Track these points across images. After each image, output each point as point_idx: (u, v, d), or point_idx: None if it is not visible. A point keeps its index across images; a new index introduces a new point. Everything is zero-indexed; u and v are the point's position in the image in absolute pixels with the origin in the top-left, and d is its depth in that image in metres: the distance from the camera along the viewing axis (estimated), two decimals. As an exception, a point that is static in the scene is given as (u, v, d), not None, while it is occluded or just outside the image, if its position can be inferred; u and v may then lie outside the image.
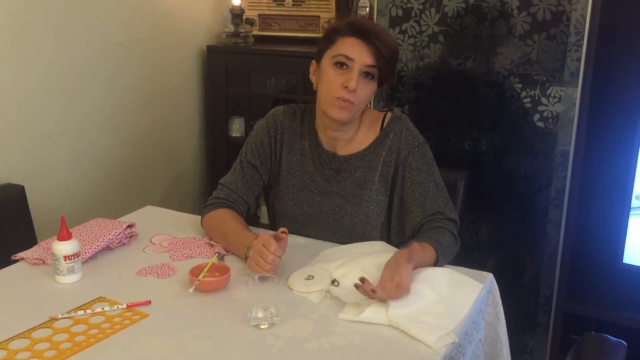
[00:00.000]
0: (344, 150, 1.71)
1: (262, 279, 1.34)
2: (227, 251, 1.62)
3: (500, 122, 2.21)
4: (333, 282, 1.43)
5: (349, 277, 1.42)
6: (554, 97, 2.10)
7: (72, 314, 1.32)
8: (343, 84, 1.56)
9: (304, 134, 1.75)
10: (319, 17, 2.86)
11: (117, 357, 1.19)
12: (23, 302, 1.39)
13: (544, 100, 2.12)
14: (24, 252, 1.59)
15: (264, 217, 2.79)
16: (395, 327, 1.27)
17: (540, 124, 2.14)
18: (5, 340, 1.23)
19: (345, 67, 1.57)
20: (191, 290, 1.40)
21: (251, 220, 1.79)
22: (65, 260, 1.44)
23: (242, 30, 2.90)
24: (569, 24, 2.03)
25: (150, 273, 1.52)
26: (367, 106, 1.70)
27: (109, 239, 1.61)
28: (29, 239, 1.96)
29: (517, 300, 2.18)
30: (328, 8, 2.84)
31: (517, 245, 2.28)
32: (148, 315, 1.33)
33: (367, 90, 1.60)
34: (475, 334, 1.44)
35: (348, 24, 1.60)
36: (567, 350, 1.50)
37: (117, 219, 1.77)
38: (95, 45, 2.42)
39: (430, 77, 2.29)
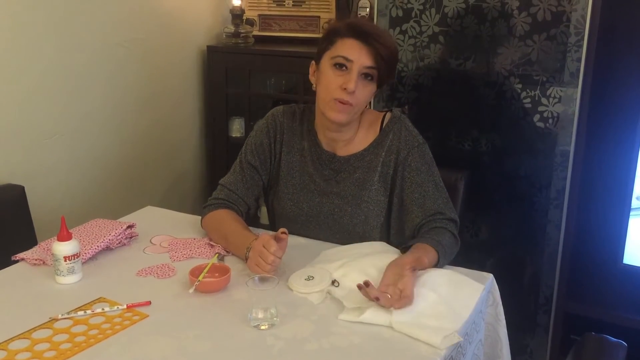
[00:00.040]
0: (343, 151, 1.71)
1: (262, 279, 1.34)
2: (227, 252, 1.62)
3: (501, 123, 2.21)
4: (333, 282, 1.43)
5: (349, 277, 1.42)
6: (554, 97, 2.11)
7: (72, 315, 1.32)
8: (342, 86, 1.56)
9: (303, 134, 1.75)
10: (319, 17, 2.86)
11: (117, 358, 1.19)
12: (23, 302, 1.39)
13: (544, 100, 2.12)
14: (24, 252, 1.59)
15: (264, 218, 2.79)
16: (399, 331, 1.27)
17: (541, 125, 2.14)
18: (5, 341, 1.23)
19: (344, 68, 1.57)
20: (191, 290, 1.40)
21: (251, 220, 1.79)
22: (65, 260, 1.44)
23: (242, 31, 2.90)
24: (569, 24, 2.03)
25: (150, 273, 1.52)
26: (366, 106, 1.70)
27: (109, 240, 1.61)
28: (29, 240, 1.96)
29: (517, 301, 2.18)
30: (328, 8, 2.84)
31: (517, 245, 2.28)
32: (148, 315, 1.33)
33: (366, 91, 1.60)
34: (476, 335, 1.44)
35: (347, 25, 1.60)
36: (567, 350, 1.50)
37: (117, 220, 1.77)
38: (95, 45, 2.42)
39: (431, 77, 2.29)
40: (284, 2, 2.92)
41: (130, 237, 1.70)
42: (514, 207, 2.24)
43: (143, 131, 2.72)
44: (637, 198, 2.10)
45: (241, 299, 1.39)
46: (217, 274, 1.45)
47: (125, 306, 1.35)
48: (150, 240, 1.71)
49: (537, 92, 2.13)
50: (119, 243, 1.65)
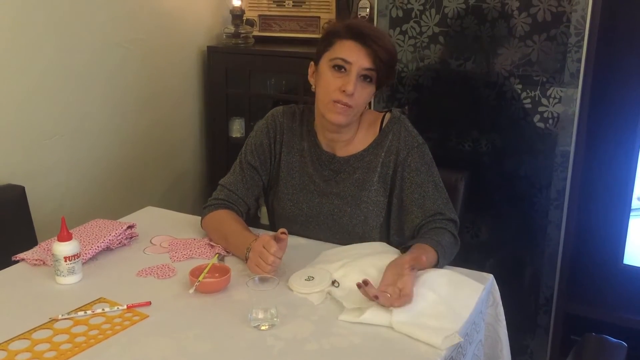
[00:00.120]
0: (343, 151, 1.71)
1: (263, 279, 1.34)
2: (227, 252, 1.62)
3: (501, 123, 2.21)
4: (333, 282, 1.43)
5: (349, 277, 1.42)
6: (554, 97, 2.11)
7: (72, 315, 1.32)
8: (341, 88, 1.56)
9: (303, 134, 1.75)
10: (319, 17, 2.86)
11: (118, 358, 1.19)
12: (23, 303, 1.39)
13: (544, 101, 2.12)
14: (24, 252, 1.59)
15: (264, 218, 2.79)
16: (399, 331, 1.27)
17: (541, 125, 2.14)
18: (6, 341, 1.23)
19: (343, 70, 1.57)
20: (191, 291, 1.40)
21: (251, 221, 1.79)
22: (65, 261, 1.44)
23: (242, 31, 2.90)
24: (569, 24, 2.03)
25: (150, 274, 1.52)
26: (366, 107, 1.70)
27: (109, 240, 1.61)
28: (29, 240, 1.96)
29: (517, 301, 2.18)
30: (328, 9, 2.84)
31: (518, 246, 2.28)
32: (148, 316, 1.33)
33: (365, 93, 1.60)
34: (476, 335, 1.44)
35: (346, 26, 1.59)
36: (567, 351, 1.50)
37: (117, 220, 1.77)
38: (95, 45, 2.42)
39: (431, 78, 2.29)
40: (284, 2, 2.92)
41: (131, 238, 1.70)
42: (514, 207, 2.24)
43: (143, 131, 2.72)
44: (638, 198, 2.10)
45: (241, 300, 1.39)
46: (217, 275, 1.44)
47: (125, 306, 1.35)
48: (151, 241, 1.71)
49: (537, 92, 2.13)
50: (119, 243, 1.65)
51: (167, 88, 2.82)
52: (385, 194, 1.68)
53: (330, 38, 1.61)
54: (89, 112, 2.45)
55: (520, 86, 2.15)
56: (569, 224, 2.15)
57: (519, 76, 2.14)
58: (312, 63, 1.68)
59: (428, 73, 2.29)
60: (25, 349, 1.21)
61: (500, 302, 1.54)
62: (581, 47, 2.02)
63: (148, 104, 2.72)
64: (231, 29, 2.90)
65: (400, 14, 2.28)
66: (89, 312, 1.33)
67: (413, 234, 1.62)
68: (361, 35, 1.56)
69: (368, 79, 1.59)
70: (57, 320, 1.30)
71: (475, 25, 2.16)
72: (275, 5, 2.94)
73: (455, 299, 1.38)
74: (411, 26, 2.27)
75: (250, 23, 2.95)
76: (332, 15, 2.82)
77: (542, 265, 2.23)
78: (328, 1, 2.83)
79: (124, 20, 2.54)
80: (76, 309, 1.34)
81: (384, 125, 1.69)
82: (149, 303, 1.37)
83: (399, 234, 1.68)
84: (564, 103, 2.09)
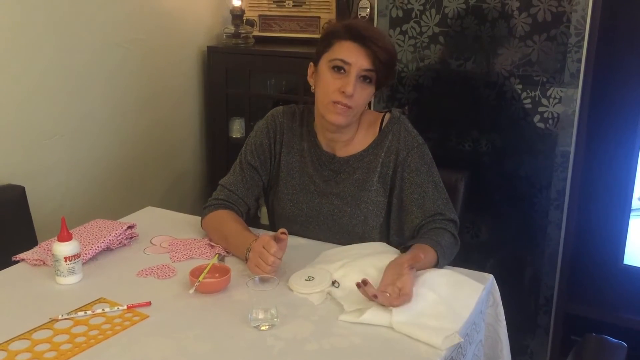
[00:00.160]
0: (343, 152, 1.71)
1: (263, 280, 1.34)
2: (227, 252, 1.62)
3: (501, 123, 2.21)
4: (333, 283, 1.43)
5: (349, 278, 1.42)
6: (555, 98, 2.10)
7: (72, 315, 1.32)
8: (340, 89, 1.56)
9: (303, 135, 1.75)
10: (319, 18, 2.86)
11: (118, 358, 1.19)
12: (23, 303, 1.39)
13: (544, 101, 2.12)
14: (25, 253, 1.59)
15: (264, 218, 2.79)
16: (399, 331, 1.27)
17: (541, 125, 2.14)
18: (6, 342, 1.23)
19: (342, 71, 1.57)
20: (191, 291, 1.40)
21: (251, 221, 1.79)
22: (65, 261, 1.44)
23: (242, 31, 2.90)
24: (570, 25, 2.03)
25: (150, 274, 1.52)
26: (365, 107, 1.70)
27: (110, 240, 1.61)
28: (29, 240, 1.96)
29: (517, 301, 2.17)
30: (328, 9, 2.84)
31: (518, 246, 2.28)
32: (148, 316, 1.33)
33: (364, 94, 1.60)
34: (476, 335, 1.44)
35: (345, 27, 1.59)
36: (567, 351, 1.50)
37: (118, 220, 1.77)
38: (95, 45, 2.42)
39: (431, 78, 2.29)
40: (284, 2, 2.92)
41: (131, 238, 1.70)
42: (514, 207, 2.24)
43: (143, 131, 2.72)
44: (638, 199, 2.10)
45: (241, 300, 1.39)
46: (217, 275, 1.44)
47: (125, 307, 1.35)
48: (151, 241, 1.71)
49: (538, 92, 2.12)
50: (119, 243, 1.65)
51: (167, 88, 2.82)
52: (385, 194, 1.68)
53: (329, 39, 1.60)
54: (89, 112, 2.45)
55: (520, 86, 2.15)
56: (569, 224, 2.15)
57: (519, 76, 2.14)
58: (311, 64, 1.67)
59: (428, 73, 2.29)
60: (25, 349, 1.21)
61: (501, 303, 1.54)
62: (581, 47, 2.02)
63: (148, 104, 2.72)
64: (231, 29, 2.90)
65: (401, 14, 2.28)
66: (89, 312, 1.33)
67: (413, 234, 1.62)
68: (360, 36, 1.56)
69: (367, 80, 1.59)
70: (57, 320, 1.30)
71: (475, 26, 2.16)
72: (275, 6, 2.94)
73: (455, 299, 1.38)
74: (411, 26, 2.27)
75: (251, 23, 2.95)
76: (332, 16, 2.82)
77: (542, 265, 2.23)
78: (328, 1, 2.83)
79: (124, 20, 2.54)
80: (76, 309, 1.34)
81: (383, 125, 1.69)
82: (149, 303, 1.37)
83: (398, 234, 1.68)
84: (564, 103, 2.09)
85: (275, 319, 1.29)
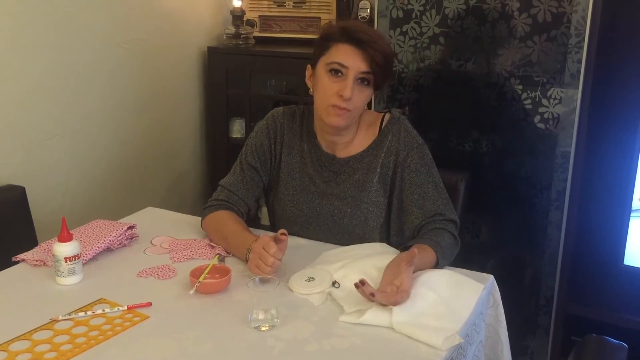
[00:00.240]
0: (343, 152, 1.71)
1: (263, 280, 1.34)
2: (227, 253, 1.62)
3: (501, 124, 2.21)
4: (334, 283, 1.43)
5: (349, 278, 1.42)
6: (555, 98, 2.11)
7: (72, 316, 1.32)
8: (338, 92, 1.55)
9: (303, 135, 1.75)
10: (319, 18, 2.86)
11: (118, 359, 1.19)
12: (24, 303, 1.39)
13: (544, 101, 2.12)
14: (25, 253, 1.59)
15: (265, 219, 2.79)
16: (399, 332, 1.27)
17: (541, 126, 2.14)
18: (6, 342, 1.23)
19: (339, 74, 1.56)
20: (192, 291, 1.40)
21: (252, 221, 1.79)
22: (65, 261, 1.44)
23: (242, 32, 2.90)
24: (570, 25, 2.03)
25: (150, 274, 1.52)
26: (365, 107, 1.70)
27: (110, 241, 1.61)
28: (29, 240, 1.96)
29: (517, 302, 2.18)
30: (329, 9, 2.84)
31: (518, 246, 2.28)
32: (149, 316, 1.33)
33: (363, 96, 1.60)
34: (476, 336, 1.44)
35: (341, 29, 1.58)
36: (567, 351, 1.50)
37: (118, 220, 1.77)
38: (95, 45, 2.42)
39: (431, 78, 2.29)
40: (285, 3, 2.92)
41: (131, 238, 1.70)
42: (514, 208, 2.24)
43: (143, 132, 2.72)
44: (639, 199, 2.10)
45: (242, 300, 1.39)
46: (217, 275, 1.44)
47: (125, 307, 1.35)
48: (151, 241, 1.71)
49: (538, 93, 2.13)
50: (120, 244, 1.65)
51: (167, 88, 2.82)
52: (385, 194, 1.68)
53: (326, 41, 1.60)
54: (90, 113, 2.45)
55: (520, 87, 2.15)
56: (570, 224, 2.15)
57: (520, 77, 2.14)
58: (308, 66, 1.67)
59: (428, 74, 2.29)
60: (25, 350, 1.21)
61: (501, 303, 1.54)
62: (581, 47, 2.02)
63: (148, 105, 2.73)
64: (232, 29, 2.90)
65: (401, 14, 2.28)
66: (89, 312, 1.33)
67: (413, 235, 1.62)
68: (357, 38, 1.55)
69: (365, 82, 1.58)
70: (57, 321, 1.30)
71: (475, 26, 2.16)
72: (275, 6, 2.94)
73: (456, 299, 1.38)
74: (411, 27, 2.27)
75: (251, 24, 2.95)
76: (333, 16, 2.82)
77: (542, 265, 2.23)
78: (328, 2, 2.83)
79: (124, 20, 2.54)
80: (76, 310, 1.34)
81: (383, 125, 1.69)
82: (150, 304, 1.37)
83: (399, 234, 1.68)
84: (565, 104, 2.09)
85: (275, 320, 1.29)
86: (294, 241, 1.60)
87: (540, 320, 2.28)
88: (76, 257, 1.46)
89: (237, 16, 2.89)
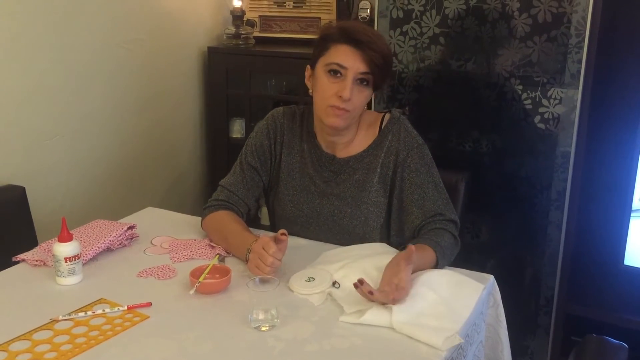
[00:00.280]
0: (343, 153, 1.71)
1: (263, 280, 1.34)
2: (227, 253, 1.62)
3: (501, 124, 2.21)
4: (334, 283, 1.43)
5: (349, 278, 1.42)
6: (555, 98, 2.11)
7: (72, 316, 1.32)
8: (337, 93, 1.55)
9: (303, 135, 1.75)
10: (319, 18, 2.86)
11: (118, 359, 1.19)
12: (24, 303, 1.39)
13: (544, 101, 2.12)
14: (25, 253, 1.59)
15: (265, 219, 2.79)
16: (400, 332, 1.27)
17: (541, 126, 2.14)
18: (6, 342, 1.23)
19: (338, 75, 1.56)
20: (192, 292, 1.40)
21: (252, 221, 1.79)
22: (66, 261, 1.44)
23: (242, 32, 2.90)
24: (570, 25, 2.03)
25: (151, 275, 1.52)
26: (364, 108, 1.69)
27: (110, 241, 1.61)
28: (29, 241, 1.96)
29: (518, 302, 2.18)
30: (329, 10, 2.84)
31: (518, 246, 2.28)
32: (149, 317, 1.33)
33: (362, 96, 1.59)
34: (476, 336, 1.44)
35: (340, 30, 1.58)
36: (568, 352, 1.50)
37: (118, 221, 1.77)
38: (95, 46, 2.42)
39: (431, 78, 2.29)
40: (285, 3, 2.92)
41: (131, 238, 1.70)
42: (514, 208, 2.24)
43: (143, 132, 2.72)
44: (639, 199, 2.10)
45: (242, 300, 1.39)
46: (217, 275, 1.44)
47: (125, 307, 1.35)
48: (151, 241, 1.71)
49: (538, 93, 2.12)
50: (120, 244, 1.65)
51: (167, 88, 2.82)
52: (386, 194, 1.68)
53: (325, 42, 1.60)
54: (90, 113, 2.45)
55: (520, 87, 2.15)
56: (570, 224, 2.15)
57: (520, 77, 2.14)
58: (308, 66, 1.67)
59: (429, 74, 2.29)
60: (25, 350, 1.21)
61: (501, 303, 1.54)
62: (582, 48, 2.02)
63: (148, 105, 2.73)
64: (232, 29, 2.90)
65: (401, 14, 2.28)
66: (89, 312, 1.33)
67: (413, 235, 1.62)
68: (355, 39, 1.55)
69: (364, 82, 1.58)
70: (57, 321, 1.30)
71: (475, 26, 2.16)
72: (275, 6, 2.94)
73: (456, 299, 1.38)
74: (412, 27, 2.27)
75: (251, 24, 2.95)
76: (333, 16, 2.82)
77: (542, 266, 2.23)
78: (329, 2, 2.83)
79: (124, 20, 2.54)
80: (77, 310, 1.34)
81: (383, 125, 1.69)
82: (150, 304, 1.37)
83: (399, 234, 1.68)
84: (565, 104, 2.09)
85: (275, 320, 1.29)
86: (294, 241, 1.60)
87: (540, 321, 2.28)
88: (76, 257, 1.46)
89: (237, 16, 2.89)
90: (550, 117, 2.12)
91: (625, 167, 2.11)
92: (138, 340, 1.25)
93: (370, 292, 1.30)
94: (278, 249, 1.44)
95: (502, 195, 2.25)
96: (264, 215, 2.86)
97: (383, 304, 1.32)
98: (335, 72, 1.57)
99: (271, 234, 1.54)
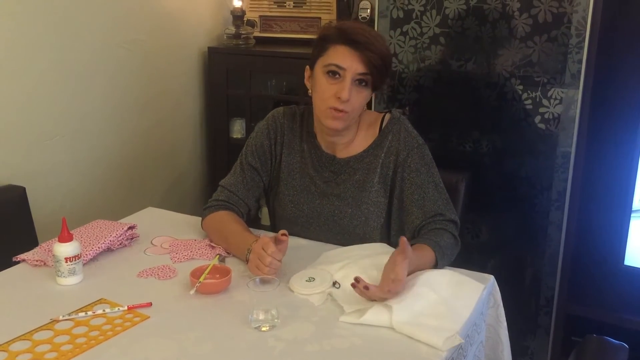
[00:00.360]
0: (343, 153, 1.71)
1: (263, 281, 1.34)
2: (228, 253, 1.62)
3: (501, 124, 2.21)
4: (334, 284, 1.43)
5: (350, 278, 1.41)
6: (555, 98, 2.10)
7: (73, 316, 1.32)
8: (336, 94, 1.55)
9: (303, 136, 1.75)
10: (319, 18, 2.86)
11: (118, 359, 1.19)
12: (24, 303, 1.39)
13: (545, 102, 2.12)
14: (25, 253, 1.59)
15: (265, 219, 2.79)
16: (400, 332, 1.27)
17: (542, 126, 2.14)
18: (6, 342, 1.23)
19: (337, 76, 1.56)
20: (192, 292, 1.40)
21: (252, 222, 1.79)
22: (66, 261, 1.44)
23: (243, 32, 2.90)
24: (570, 25, 2.03)
25: (151, 275, 1.52)
26: (364, 108, 1.69)
27: (110, 241, 1.61)
28: (30, 241, 1.96)
29: (518, 302, 2.18)
30: (329, 10, 2.84)
31: (518, 246, 2.28)
32: (149, 317, 1.33)
33: (361, 97, 1.59)
34: (477, 336, 1.44)
35: (338, 31, 1.58)
36: (568, 352, 1.50)
37: (118, 221, 1.77)
38: (95, 46, 2.42)
39: (431, 78, 2.29)
40: (285, 3, 2.92)
41: (131, 238, 1.70)
42: (514, 208, 2.24)
43: (144, 132, 2.72)
44: (639, 199, 2.10)
45: (242, 301, 1.39)
46: (218, 276, 1.44)
47: (126, 307, 1.35)
48: (151, 242, 1.71)
49: (538, 93, 2.12)
50: (120, 244, 1.65)
51: (167, 89, 2.82)
52: (386, 194, 1.68)
53: (323, 43, 1.60)
54: (90, 113, 2.45)
55: (521, 87, 2.15)
56: (570, 224, 2.15)
57: (520, 77, 2.14)
58: (307, 67, 1.67)
59: (429, 74, 2.29)
60: (26, 350, 1.21)
61: (501, 304, 1.54)
62: (582, 48, 2.02)
63: (149, 105, 2.72)
64: (232, 29, 2.90)
65: (401, 14, 2.28)
66: (89, 313, 1.33)
67: (413, 235, 1.62)
68: (353, 40, 1.55)
69: (363, 83, 1.58)
70: (57, 321, 1.30)
71: (476, 26, 2.16)
72: (276, 6, 2.94)
73: (456, 299, 1.38)
74: (412, 27, 2.27)
75: (251, 24, 2.95)
76: (333, 16, 2.82)
77: (542, 266, 2.23)
78: (329, 2, 2.83)
79: (124, 20, 2.54)
80: (77, 310, 1.34)
81: (383, 125, 1.69)
82: (150, 304, 1.37)
83: (399, 234, 1.67)
84: (565, 104, 2.09)
85: (275, 320, 1.29)
86: (294, 241, 1.60)
87: (540, 321, 2.28)
88: (76, 258, 1.46)
89: (238, 16, 2.89)
90: (551, 117, 2.12)
91: (625, 167, 2.11)
92: (138, 340, 1.25)
93: (366, 288, 1.30)
94: (278, 249, 1.44)
95: (502, 195, 2.25)
96: (265, 216, 2.86)
97: (381, 299, 1.32)
98: (333, 73, 1.56)
99: (271, 234, 1.54)
